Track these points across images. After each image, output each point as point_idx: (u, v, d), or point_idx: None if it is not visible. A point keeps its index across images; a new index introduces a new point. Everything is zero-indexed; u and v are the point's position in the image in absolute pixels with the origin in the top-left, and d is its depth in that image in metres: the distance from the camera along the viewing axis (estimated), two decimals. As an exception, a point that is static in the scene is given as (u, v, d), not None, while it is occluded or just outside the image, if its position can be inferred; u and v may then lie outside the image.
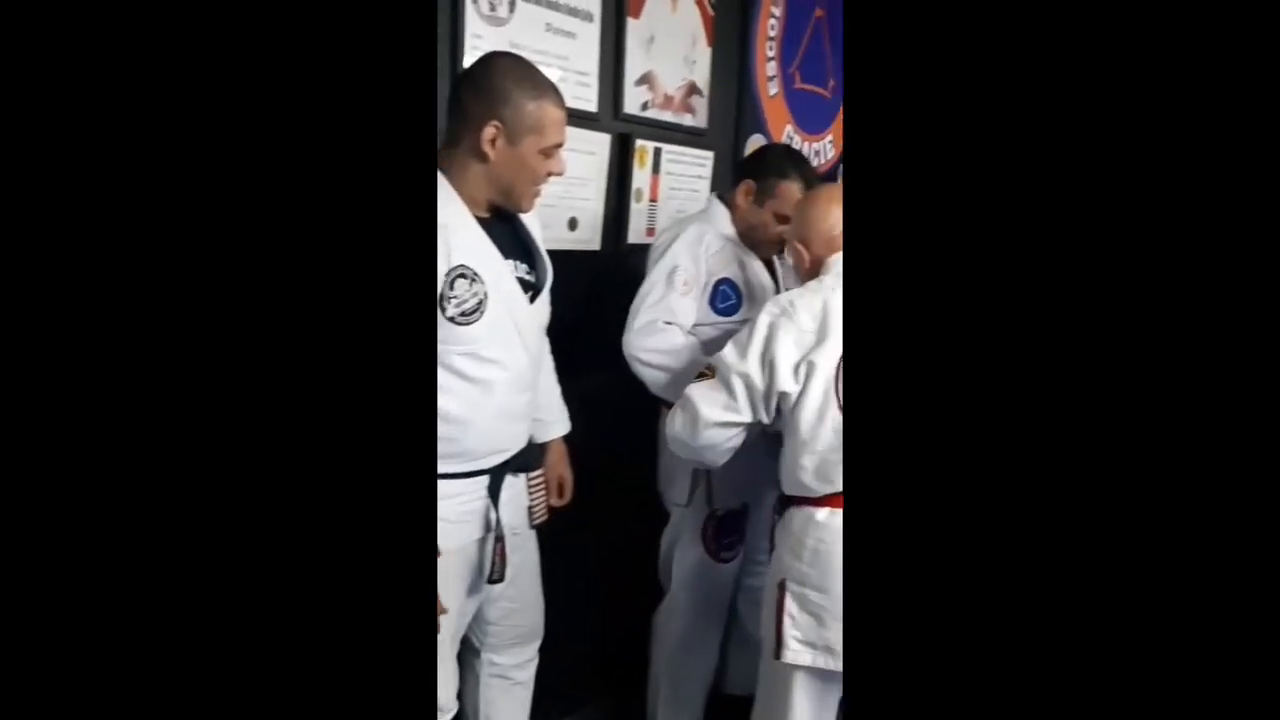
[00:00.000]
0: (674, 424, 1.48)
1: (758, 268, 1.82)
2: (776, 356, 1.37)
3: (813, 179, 1.76)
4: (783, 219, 1.73)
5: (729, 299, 1.78)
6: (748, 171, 1.80)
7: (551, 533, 1.59)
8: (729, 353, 1.43)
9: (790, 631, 1.37)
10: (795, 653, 1.37)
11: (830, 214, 1.48)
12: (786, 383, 1.37)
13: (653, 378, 1.72)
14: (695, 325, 1.76)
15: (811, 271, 1.50)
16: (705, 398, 1.43)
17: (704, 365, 1.48)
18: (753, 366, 1.38)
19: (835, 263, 1.45)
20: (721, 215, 1.81)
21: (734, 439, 1.47)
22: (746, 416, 1.42)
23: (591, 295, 1.97)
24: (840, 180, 1.71)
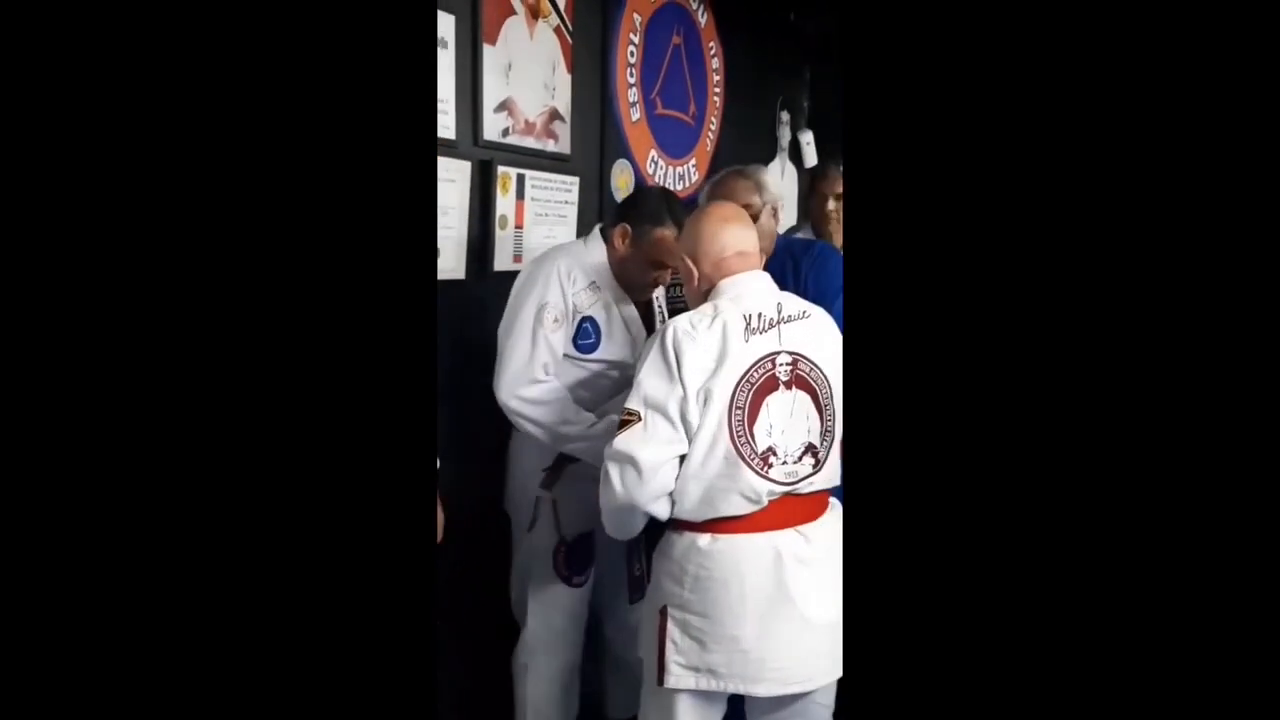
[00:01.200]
0: (615, 492, 1.33)
1: (628, 310, 1.80)
2: (686, 381, 1.31)
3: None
4: (657, 265, 1.74)
5: (589, 337, 1.76)
6: (624, 215, 1.79)
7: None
8: (652, 386, 1.32)
9: (673, 657, 1.36)
10: (678, 677, 1.36)
11: (721, 234, 1.43)
12: (692, 411, 1.32)
13: (529, 427, 1.70)
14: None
15: (701, 292, 1.45)
16: (642, 442, 1.31)
17: (622, 415, 1.36)
18: (679, 389, 1.31)
19: (728, 286, 1.41)
20: (598, 250, 1.79)
21: (675, 475, 1.35)
22: (685, 445, 1.33)
23: (459, 323, 1.92)
24: (712, 200, 1.67)
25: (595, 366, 1.78)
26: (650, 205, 1.76)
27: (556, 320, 1.70)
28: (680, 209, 1.77)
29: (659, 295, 1.93)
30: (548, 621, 1.82)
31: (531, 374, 1.68)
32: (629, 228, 1.74)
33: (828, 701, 1.42)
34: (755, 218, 1.85)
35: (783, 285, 1.48)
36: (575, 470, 1.75)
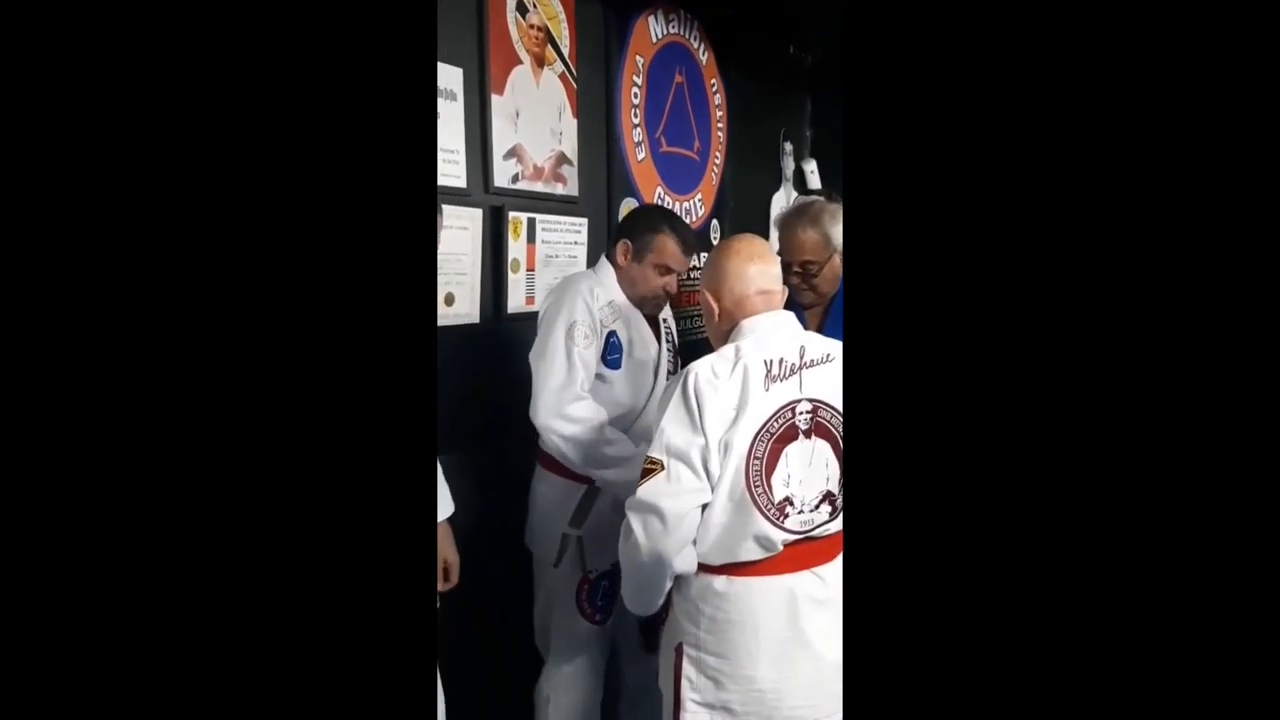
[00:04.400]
0: (639, 543, 1.30)
1: (640, 323, 1.87)
2: (708, 430, 1.29)
3: (685, 230, 1.84)
4: (663, 269, 1.82)
5: (615, 350, 1.82)
6: (623, 231, 1.87)
7: (443, 617, 1.56)
8: (674, 434, 1.30)
9: (689, 694, 1.38)
10: (694, 714, 1.38)
11: (745, 271, 1.39)
12: (714, 461, 1.30)
13: (569, 448, 1.73)
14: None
15: (723, 330, 1.42)
16: (666, 492, 1.28)
17: (644, 464, 1.33)
18: (702, 438, 1.29)
19: (750, 327, 1.37)
20: (608, 274, 1.87)
21: (698, 524, 1.34)
22: (709, 493, 1.31)
23: (472, 369, 1.97)
24: (745, 237, 1.55)
25: (619, 390, 1.82)
26: (646, 216, 1.86)
27: (587, 336, 1.74)
28: (675, 217, 1.86)
29: (667, 319, 1.97)
30: (570, 657, 1.85)
31: (572, 393, 1.72)
32: (629, 241, 1.82)
33: (846, 733, 1.44)
34: (817, 273, 1.83)
35: None
36: (601, 507, 1.79)
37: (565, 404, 1.71)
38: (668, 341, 1.95)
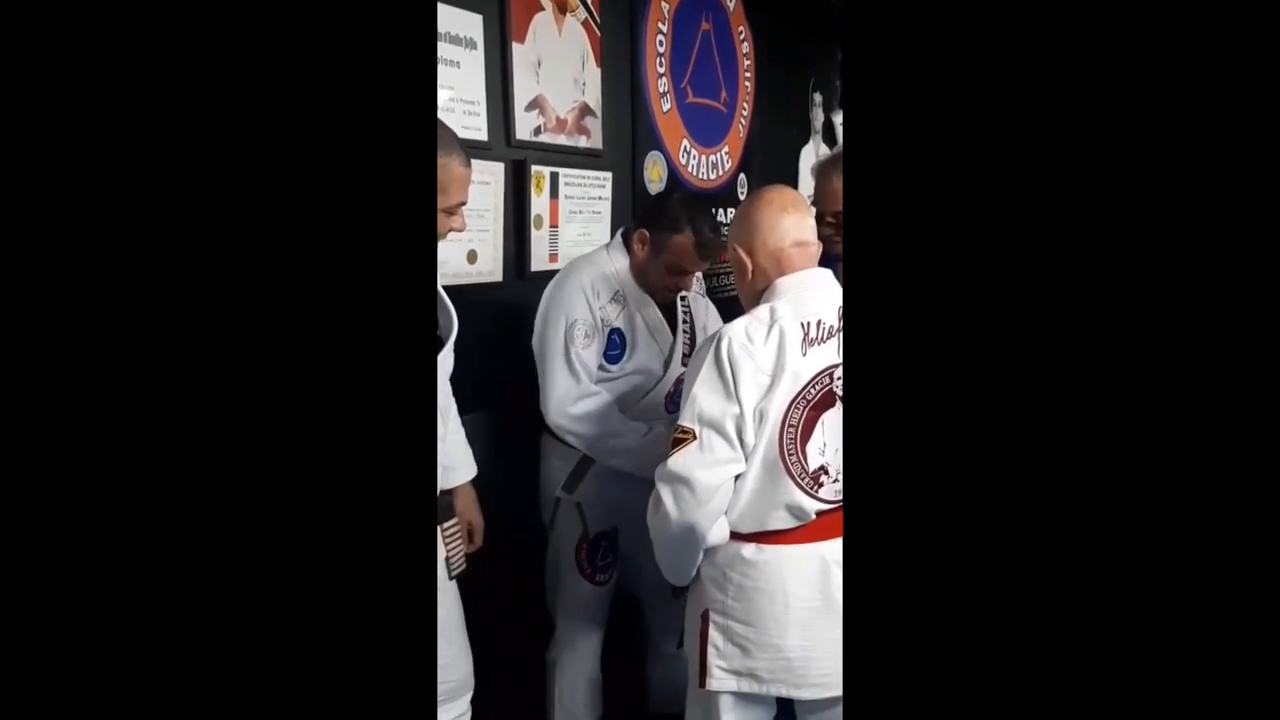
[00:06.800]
0: (669, 515, 1.26)
1: (649, 313, 1.82)
2: (742, 399, 1.24)
3: (706, 228, 1.73)
4: (675, 269, 1.75)
5: (616, 347, 1.79)
6: (644, 220, 1.79)
7: (470, 579, 1.56)
8: (707, 402, 1.24)
9: (715, 661, 1.36)
10: (720, 680, 1.36)
11: (779, 223, 1.31)
12: (749, 430, 1.25)
13: (577, 441, 1.74)
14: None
15: (756, 289, 1.34)
16: (699, 463, 1.24)
17: (674, 432, 1.27)
18: (736, 406, 1.24)
19: (786, 287, 1.30)
20: (620, 257, 1.81)
21: (730, 494, 1.30)
22: (743, 463, 1.27)
23: (498, 326, 1.93)
24: (777, 187, 1.43)
25: (622, 378, 1.80)
26: (670, 212, 1.76)
27: (588, 335, 1.73)
28: (704, 214, 1.77)
29: (686, 295, 1.91)
30: (573, 619, 1.88)
31: (576, 391, 1.72)
32: (647, 234, 1.76)
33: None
34: None
35: None
36: (599, 469, 1.78)
37: (569, 405, 1.72)
38: (684, 324, 1.89)
